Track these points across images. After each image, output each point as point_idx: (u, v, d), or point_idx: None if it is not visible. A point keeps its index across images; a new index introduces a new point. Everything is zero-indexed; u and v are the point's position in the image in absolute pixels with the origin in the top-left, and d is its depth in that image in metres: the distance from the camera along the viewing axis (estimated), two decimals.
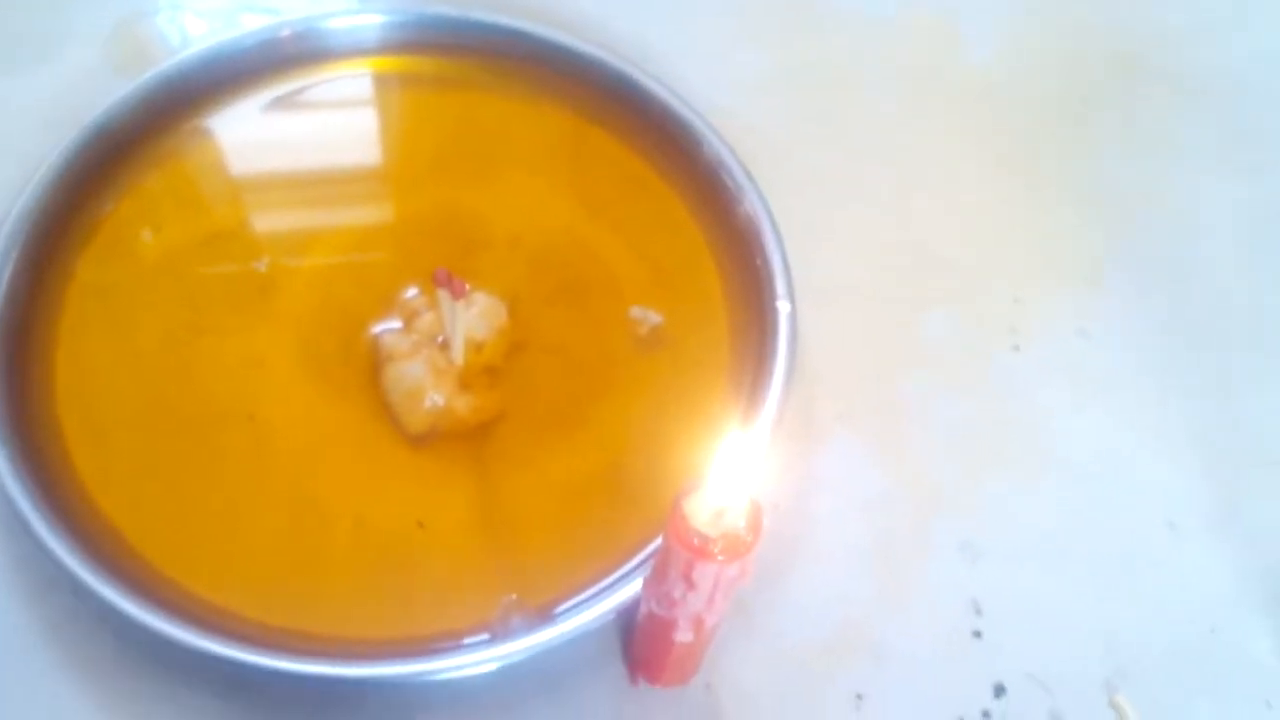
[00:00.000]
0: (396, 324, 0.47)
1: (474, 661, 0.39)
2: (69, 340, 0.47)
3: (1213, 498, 0.48)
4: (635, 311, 0.48)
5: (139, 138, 0.51)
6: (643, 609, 0.38)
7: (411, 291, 0.48)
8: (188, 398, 0.46)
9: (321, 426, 0.46)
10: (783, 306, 0.47)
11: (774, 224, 0.48)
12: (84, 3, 0.59)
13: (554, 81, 0.54)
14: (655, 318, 0.48)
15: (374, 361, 0.46)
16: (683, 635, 0.37)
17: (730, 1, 0.63)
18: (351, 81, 0.55)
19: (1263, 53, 0.63)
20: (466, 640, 0.40)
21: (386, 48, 0.55)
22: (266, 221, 0.51)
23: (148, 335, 0.47)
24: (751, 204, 0.49)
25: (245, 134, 0.53)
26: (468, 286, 0.43)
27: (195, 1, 0.60)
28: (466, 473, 0.45)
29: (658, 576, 0.35)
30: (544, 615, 0.41)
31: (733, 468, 0.32)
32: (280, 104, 0.54)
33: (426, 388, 0.45)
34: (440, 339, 0.46)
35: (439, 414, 0.45)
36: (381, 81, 0.55)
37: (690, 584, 0.34)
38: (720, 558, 0.32)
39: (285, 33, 0.54)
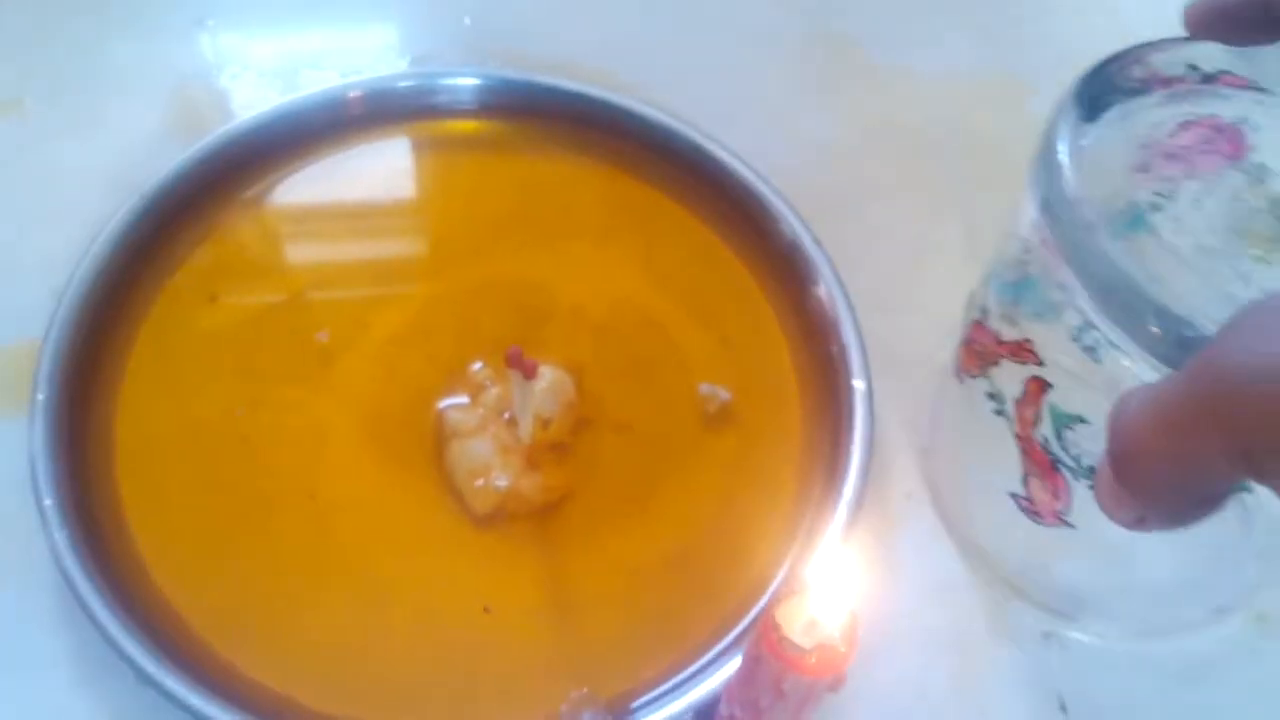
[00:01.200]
0: (462, 398, 0.46)
1: None
2: (129, 412, 0.46)
3: None
4: (704, 388, 0.47)
5: (198, 204, 0.51)
6: (723, 711, 0.36)
7: (477, 365, 0.47)
8: (248, 472, 0.45)
9: (384, 504, 0.45)
10: (858, 385, 0.45)
11: (850, 304, 0.47)
12: (143, 64, 0.59)
13: (620, 147, 0.53)
14: (724, 394, 0.47)
15: (439, 437, 0.45)
16: None
17: (795, 63, 0.62)
18: (414, 145, 0.54)
19: None
20: None
21: (449, 111, 0.54)
22: (328, 290, 0.50)
23: (208, 407, 0.46)
24: (826, 283, 0.48)
25: (305, 199, 0.52)
26: (539, 365, 0.42)
27: (256, 61, 0.59)
28: (533, 555, 0.44)
29: (743, 682, 0.34)
30: (616, 711, 0.40)
31: (828, 577, 0.31)
32: (341, 168, 0.53)
33: (493, 466, 0.44)
34: (507, 415, 0.45)
35: (505, 494, 0.44)
36: (444, 145, 0.54)
37: (780, 693, 0.32)
38: (815, 671, 0.31)
39: (350, 95, 0.53)
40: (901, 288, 0.53)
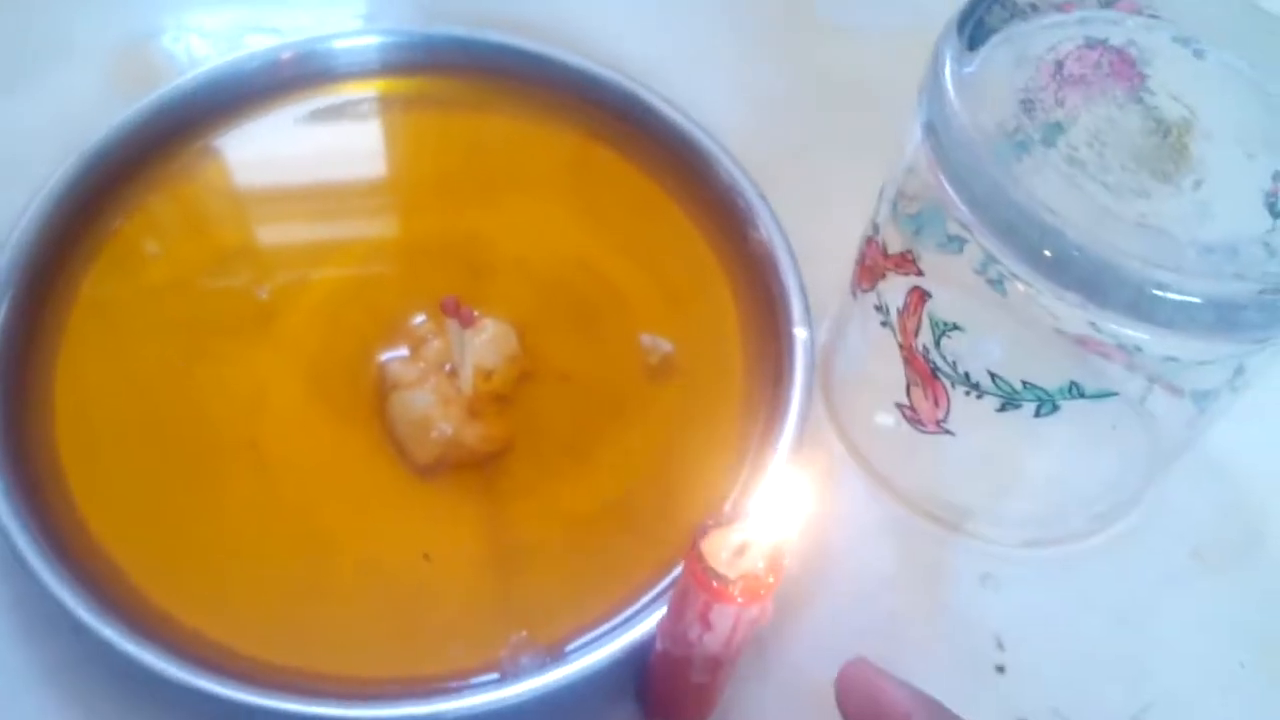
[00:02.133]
0: (403, 351, 0.46)
1: (482, 702, 0.38)
2: (69, 366, 0.46)
3: (1239, 525, 0.47)
4: (645, 339, 0.47)
5: (142, 160, 0.50)
6: (657, 647, 0.37)
7: (419, 318, 0.47)
8: (189, 425, 0.45)
9: (326, 456, 0.44)
10: (799, 333, 0.46)
11: (789, 248, 0.47)
12: (88, 23, 0.59)
13: (562, 102, 0.53)
14: (666, 345, 0.47)
15: (380, 389, 0.45)
16: (699, 676, 0.36)
17: (737, 19, 0.62)
18: (356, 103, 0.54)
19: None
20: (474, 680, 0.39)
21: (391, 69, 0.54)
22: (270, 246, 0.50)
23: (149, 361, 0.46)
24: (766, 228, 0.48)
25: (248, 158, 0.52)
26: (476, 314, 0.42)
27: (199, 22, 0.59)
28: (475, 504, 0.44)
29: (673, 616, 0.34)
30: (554, 653, 0.40)
31: (753, 506, 0.31)
32: (284, 126, 0.53)
33: (434, 417, 0.44)
34: (448, 367, 0.45)
35: (447, 444, 0.44)
36: (387, 103, 0.54)
37: (707, 625, 0.33)
38: (739, 600, 0.31)
39: (288, 54, 0.53)
40: (846, 240, 0.53)
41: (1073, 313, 0.35)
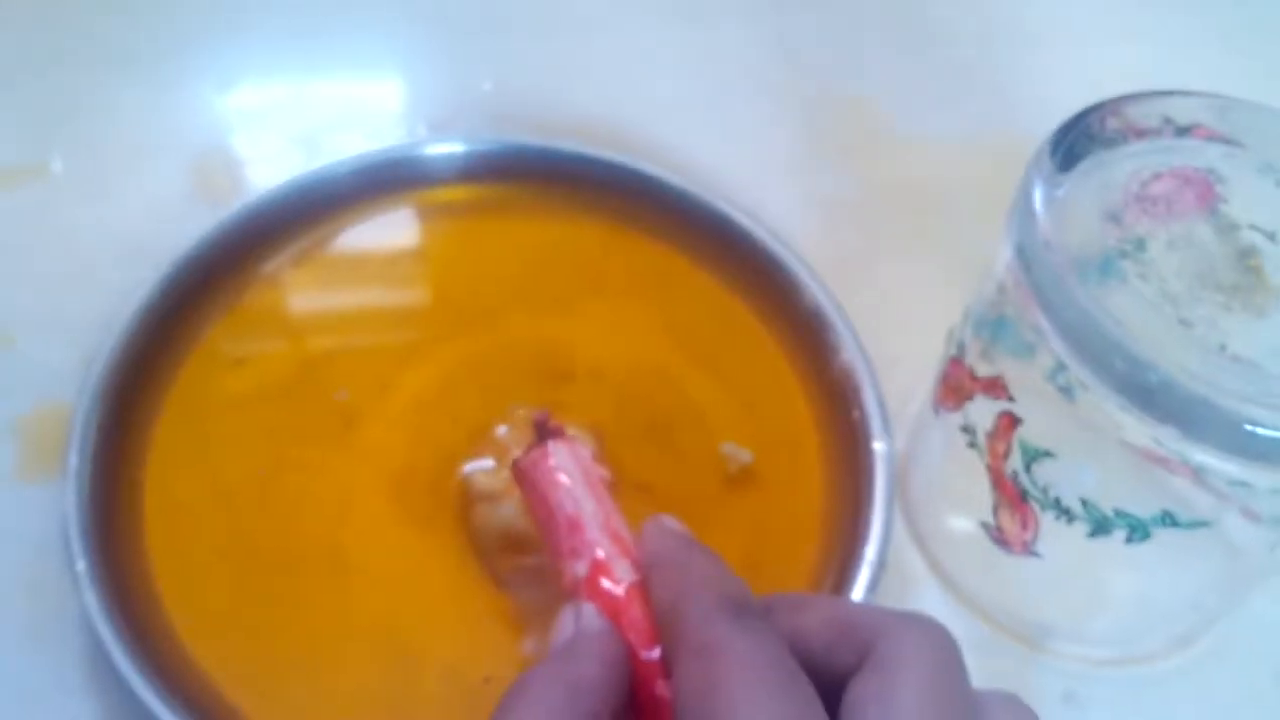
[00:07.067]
0: (488, 462, 0.47)
1: None
2: (157, 477, 0.46)
3: None
4: (726, 448, 0.47)
5: (225, 271, 0.51)
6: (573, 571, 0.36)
7: (502, 429, 0.47)
8: (274, 535, 0.45)
9: (410, 566, 0.45)
10: (878, 447, 0.46)
11: (870, 367, 0.48)
12: (168, 128, 0.60)
13: (640, 211, 0.54)
14: (746, 455, 0.47)
15: (464, 500, 0.46)
16: (620, 576, 0.34)
17: (809, 126, 0.63)
18: (441, 209, 0.55)
19: None
20: None
21: (471, 176, 0.55)
22: (354, 353, 0.51)
23: (233, 470, 0.47)
24: (849, 352, 0.49)
25: (331, 264, 0.53)
26: (567, 429, 0.43)
27: (278, 126, 0.61)
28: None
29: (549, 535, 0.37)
30: None
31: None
32: (364, 234, 0.54)
33: (518, 529, 0.44)
34: None
35: (529, 555, 0.44)
36: (470, 209, 0.55)
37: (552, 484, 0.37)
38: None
39: (372, 163, 0.54)
40: (918, 343, 0.53)
41: (1138, 425, 0.35)
